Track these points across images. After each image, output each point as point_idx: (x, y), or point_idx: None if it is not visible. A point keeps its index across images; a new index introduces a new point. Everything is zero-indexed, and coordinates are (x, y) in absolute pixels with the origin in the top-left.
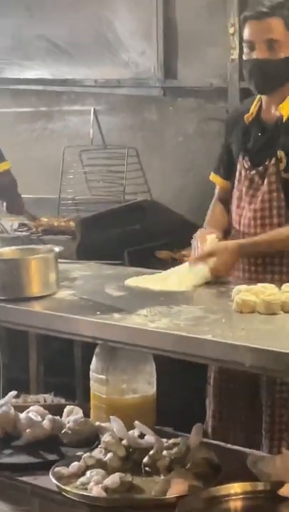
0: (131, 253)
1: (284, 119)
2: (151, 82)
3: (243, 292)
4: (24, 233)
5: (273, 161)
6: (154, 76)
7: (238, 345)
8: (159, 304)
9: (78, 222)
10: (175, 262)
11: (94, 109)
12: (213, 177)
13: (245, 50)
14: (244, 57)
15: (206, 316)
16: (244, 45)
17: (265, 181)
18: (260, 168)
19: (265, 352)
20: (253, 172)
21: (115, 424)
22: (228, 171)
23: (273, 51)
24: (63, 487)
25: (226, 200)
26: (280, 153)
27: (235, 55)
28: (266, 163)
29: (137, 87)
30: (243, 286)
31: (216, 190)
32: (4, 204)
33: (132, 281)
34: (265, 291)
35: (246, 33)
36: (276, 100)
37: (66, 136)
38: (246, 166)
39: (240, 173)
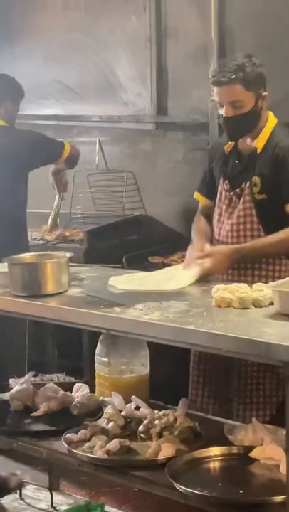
0: (128, 258)
1: (258, 151)
2: (146, 118)
3: (221, 290)
4: (41, 242)
5: (248, 184)
6: (148, 113)
7: (216, 334)
8: (152, 300)
9: (86, 233)
10: (165, 265)
11: (99, 140)
12: (197, 196)
13: (218, 105)
14: (218, 111)
15: (191, 310)
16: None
17: (241, 201)
18: (237, 190)
19: (239, 339)
20: (232, 193)
21: (116, 399)
22: (210, 190)
23: (238, 108)
24: (73, 450)
25: (207, 215)
26: (255, 179)
27: (214, 90)
28: (242, 185)
29: (134, 122)
30: (221, 286)
31: (199, 206)
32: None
33: (115, 281)
34: (239, 289)
35: (214, 95)
36: (252, 135)
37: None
38: (226, 188)
39: (221, 194)
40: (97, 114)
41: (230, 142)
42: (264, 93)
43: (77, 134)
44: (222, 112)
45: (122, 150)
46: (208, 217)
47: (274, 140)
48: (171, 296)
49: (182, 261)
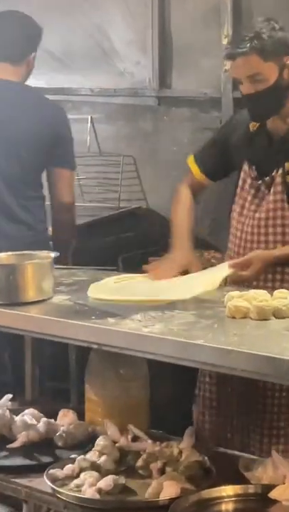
0: (125, 259)
1: None
2: (146, 91)
3: (236, 298)
4: None
5: (280, 171)
6: (149, 86)
7: (230, 350)
8: (152, 309)
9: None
10: None
11: (91, 117)
12: (192, 165)
13: (237, 84)
14: (240, 90)
15: (199, 321)
16: None
17: (272, 191)
18: (267, 178)
19: (257, 357)
20: (260, 182)
21: (109, 428)
22: (212, 167)
23: (258, 83)
24: (58, 489)
25: (194, 192)
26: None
27: (228, 65)
28: (273, 173)
29: (132, 96)
30: (236, 293)
31: (189, 177)
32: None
33: (96, 291)
34: (258, 297)
35: (230, 70)
36: (283, 113)
37: None
38: (252, 176)
39: (244, 181)
40: (87, 87)
41: None
42: None
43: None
44: (241, 89)
45: (117, 129)
46: (194, 194)
47: None
48: (175, 305)
49: None
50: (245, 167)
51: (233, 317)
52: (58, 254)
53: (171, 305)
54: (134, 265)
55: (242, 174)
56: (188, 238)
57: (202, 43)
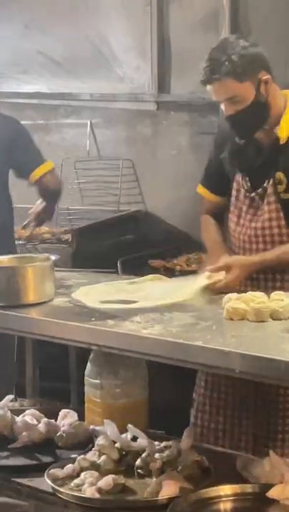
0: (124, 262)
1: (281, 141)
2: (145, 96)
3: (234, 300)
4: (20, 242)
5: (271, 182)
6: (148, 91)
7: (227, 352)
8: (151, 311)
9: (74, 231)
10: (168, 270)
11: (91, 122)
12: (201, 190)
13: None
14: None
15: (198, 323)
16: None
17: (265, 202)
18: (260, 190)
19: (255, 358)
20: (253, 194)
21: (109, 428)
22: (218, 185)
23: (237, 104)
24: (58, 488)
25: (215, 214)
26: (279, 175)
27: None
28: (265, 184)
29: (131, 101)
30: (234, 295)
31: (204, 203)
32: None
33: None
34: (255, 299)
35: (210, 93)
36: (271, 123)
37: (62, 149)
38: (246, 187)
39: (239, 192)
40: (87, 92)
41: None
42: (265, 77)
43: (64, 115)
44: (223, 109)
45: (116, 134)
46: (217, 217)
47: None
48: (174, 307)
49: (187, 265)
50: (238, 178)
51: (231, 319)
52: (59, 257)
53: (170, 307)
54: (133, 268)
55: (235, 185)
56: (224, 248)
57: (200, 48)
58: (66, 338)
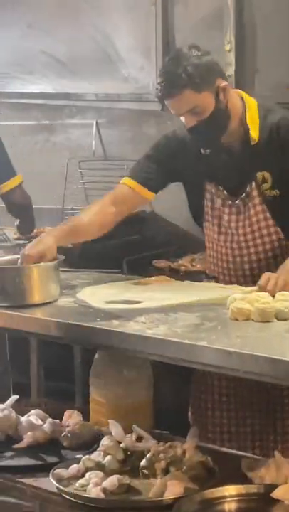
0: (129, 262)
1: (252, 142)
2: (150, 96)
3: (238, 300)
4: (24, 241)
5: (253, 185)
6: (152, 91)
7: (232, 352)
8: (156, 311)
9: None
10: (173, 270)
11: (96, 122)
12: (131, 183)
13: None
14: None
15: (202, 324)
16: None
17: (250, 205)
18: (243, 195)
19: (259, 358)
20: (238, 201)
21: (114, 428)
22: (155, 185)
23: (198, 114)
24: (63, 488)
25: (125, 203)
26: (263, 174)
27: (231, 71)
28: (247, 189)
29: (136, 101)
30: (238, 295)
31: (121, 191)
32: (16, 222)
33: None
34: (260, 299)
35: (169, 107)
36: (231, 129)
37: (68, 149)
38: (223, 196)
39: (213, 201)
40: (92, 92)
41: None
42: (222, 84)
43: (68, 115)
44: (184, 122)
45: (121, 134)
46: (124, 205)
47: (268, 121)
48: (179, 307)
49: (192, 265)
50: (210, 187)
51: (236, 319)
52: (64, 257)
53: (175, 307)
54: (139, 268)
55: (207, 195)
56: (61, 232)
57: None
58: (71, 339)
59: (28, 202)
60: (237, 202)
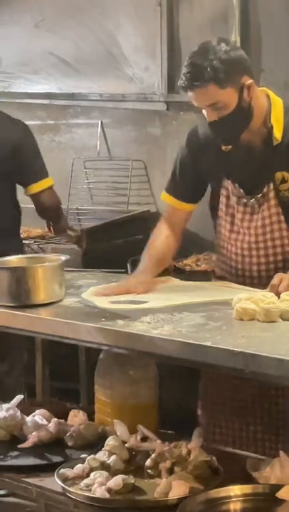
0: (134, 262)
1: (275, 142)
2: (154, 96)
3: (244, 301)
4: (27, 242)
5: (271, 186)
6: (157, 91)
7: (237, 352)
8: (161, 311)
9: (84, 232)
10: (177, 270)
11: (101, 122)
12: (169, 199)
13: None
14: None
15: (207, 323)
16: None
17: (265, 206)
18: (259, 195)
19: (264, 358)
20: (252, 200)
21: (119, 428)
22: (191, 193)
23: (220, 110)
24: (68, 488)
25: (176, 224)
26: (282, 175)
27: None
28: (264, 189)
29: (141, 101)
30: (244, 295)
31: (168, 211)
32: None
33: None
34: (265, 299)
35: (192, 99)
36: (253, 127)
37: (72, 149)
38: (238, 194)
39: (228, 198)
40: (97, 92)
41: None
42: (248, 82)
43: (73, 115)
44: (205, 116)
45: (126, 134)
46: (176, 226)
47: None
48: (183, 307)
49: (197, 265)
50: (227, 184)
51: (241, 319)
52: (69, 257)
53: (179, 307)
54: None
55: (223, 191)
56: (152, 267)
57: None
58: (76, 338)
59: (57, 205)
60: (252, 201)
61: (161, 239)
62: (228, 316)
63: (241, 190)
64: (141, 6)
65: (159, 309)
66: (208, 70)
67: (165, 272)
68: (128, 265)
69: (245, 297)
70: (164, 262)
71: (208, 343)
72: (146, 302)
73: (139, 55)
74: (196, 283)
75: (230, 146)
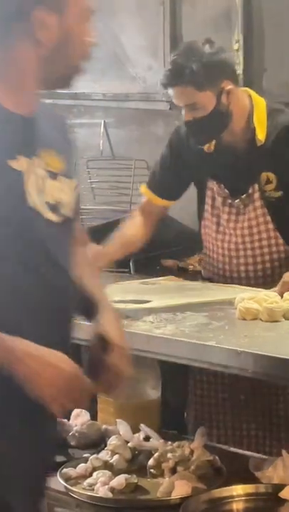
0: (136, 262)
1: (258, 143)
2: (157, 96)
3: (246, 300)
4: None
5: (256, 187)
6: (160, 90)
7: (240, 352)
8: (164, 310)
9: (86, 231)
10: (180, 270)
11: (104, 121)
12: (149, 194)
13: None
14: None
15: (210, 323)
16: None
17: (250, 207)
18: (243, 196)
19: (267, 358)
20: (237, 201)
21: (121, 427)
22: (171, 190)
23: (196, 111)
24: (71, 488)
25: (148, 216)
26: (267, 175)
27: (239, 70)
28: (249, 190)
29: (144, 101)
30: (246, 294)
31: (145, 205)
32: None
33: None
34: (268, 299)
35: (172, 97)
36: (234, 129)
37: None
38: (224, 195)
39: (214, 199)
40: (100, 92)
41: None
42: (228, 87)
43: (76, 115)
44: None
45: (129, 134)
46: (148, 219)
47: (276, 121)
48: (186, 307)
49: (200, 265)
50: (212, 185)
51: (244, 319)
52: None
53: (182, 307)
54: (146, 267)
55: (208, 192)
56: (113, 247)
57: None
58: (79, 338)
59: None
60: (237, 202)
61: (131, 227)
62: (231, 316)
63: (226, 191)
64: (144, 5)
65: (162, 309)
66: (188, 71)
67: (168, 272)
68: (130, 265)
69: (248, 297)
70: (129, 248)
71: (211, 343)
72: (149, 301)
73: (142, 55)
74: (199, 283)
75: (212, 147)
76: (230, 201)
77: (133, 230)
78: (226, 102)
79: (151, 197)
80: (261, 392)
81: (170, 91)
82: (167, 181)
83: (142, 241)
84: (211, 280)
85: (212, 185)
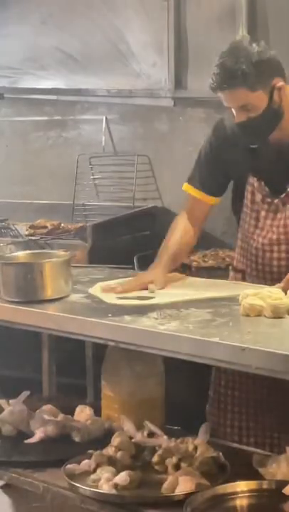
0: (141, 258)
1: None
2: (162, 92)
3: (251, 297)
4: (34, 237)
5: None
6: (164, 87)
7: (244, 348)
8: (168, 307)
9: (90, 227)
10: (184, 266)
11: (106, 118)
12: (193, 191)
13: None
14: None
15: (214, 319)
16: None
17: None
18: (283, 195)
19: (271, 354)
20: (276, 200)
21: (125, 424)
22: (215, 186)
23: (249, 111)
24: (75, 484)
25: (196, 217)
26: None
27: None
28: (288, 189)
29: (148, 97)
30: (251, 291)
31: (190, 203)
32: None
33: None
34: (272, 295)
35: (222, 99)
36: (284, 126)
37: (79, 144)
38: (263, 192)
39: (254, 194)
40: (104, 88)
41: None
42: (279, 84)
43: (80, 110)
44: (235, 116)
45: (133, 130)
46: (195, 220)
47: None
48: (190, 303)
49: (204, 261)
50: (253, 181)
51: (248, 315)
52: (75, 253)
53: (186, 303)
54: (150, 264)
55: (249, 187)
56: (166, 262)
57: (217, 45)
58: (83, 334)
59: None
60: (276, 201)
61: (178, 234)
62: (235, 312)
63: (266, 189)
64: (148, 1)
65: (166, 305)
66: (239, 73)
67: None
68: (134, 261)
69: (252, 293)
70: (180, 258)
71: (215, 339)
72: (153, 298)
73: (146, 51)
74: (203, 279)
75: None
76: (269, 199)
77: (182, 238)
78: (278, 99)
79: (197, 193)
80: (274, 390)
81: (220, 94)
82: (213, 177)
83: (190, 249)
84: (243, 272)
85: (252, 181)
